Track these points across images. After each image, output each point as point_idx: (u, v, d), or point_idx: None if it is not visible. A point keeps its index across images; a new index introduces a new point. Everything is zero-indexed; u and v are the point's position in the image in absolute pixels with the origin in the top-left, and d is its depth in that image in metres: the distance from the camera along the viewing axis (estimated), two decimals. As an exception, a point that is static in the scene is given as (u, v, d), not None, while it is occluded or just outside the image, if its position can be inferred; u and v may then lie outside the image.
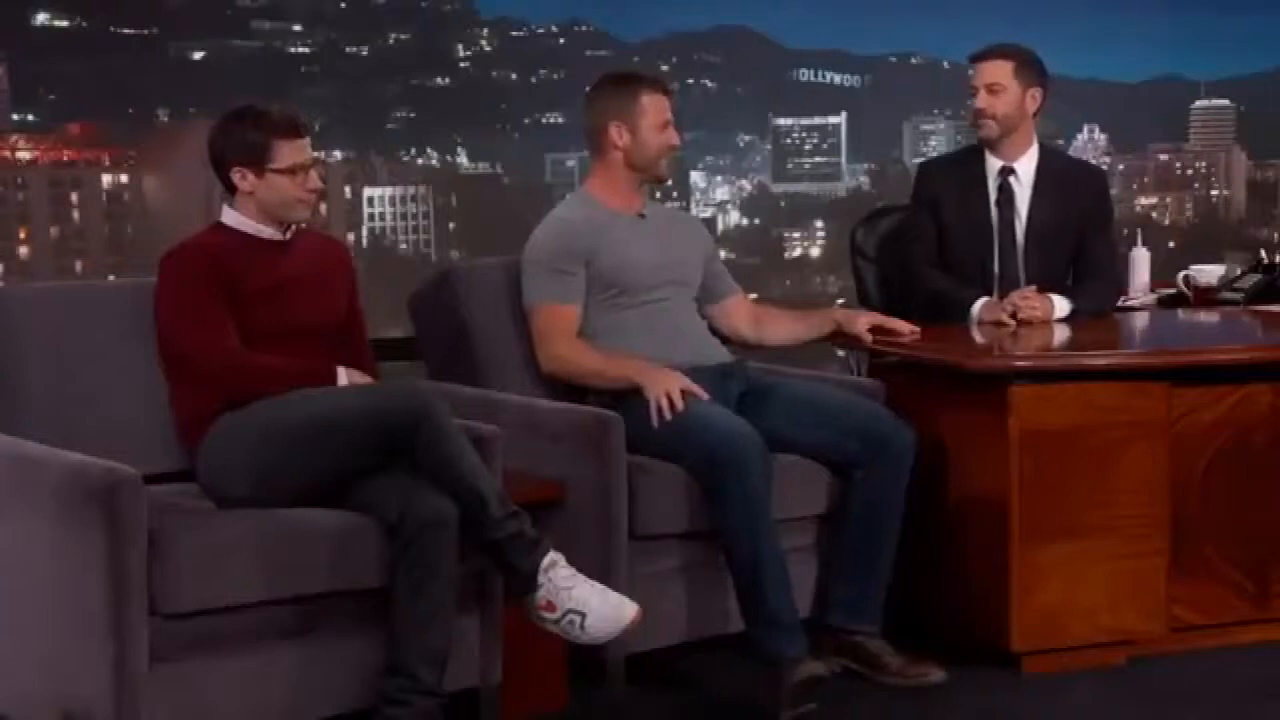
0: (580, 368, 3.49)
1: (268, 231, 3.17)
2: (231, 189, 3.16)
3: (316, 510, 2.93)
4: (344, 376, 3.13)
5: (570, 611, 2.93)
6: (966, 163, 4.07)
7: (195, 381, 3.09)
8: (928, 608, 3.63)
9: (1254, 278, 4.23)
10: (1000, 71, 3.97)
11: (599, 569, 3.12)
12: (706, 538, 3.35)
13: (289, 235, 3.20)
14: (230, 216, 3.18)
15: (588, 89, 3.70)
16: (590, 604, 2.94)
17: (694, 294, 3.70)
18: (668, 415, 3.32)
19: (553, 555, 2.95)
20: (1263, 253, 4.33)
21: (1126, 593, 3.53)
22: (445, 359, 3.72)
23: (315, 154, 3.20)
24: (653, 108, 3.58)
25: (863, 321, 3.74)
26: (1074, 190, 4.03)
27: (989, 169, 4.02)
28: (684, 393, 3.35)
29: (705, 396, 3.38)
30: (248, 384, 3.06)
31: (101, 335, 3.17)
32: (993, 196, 4.01)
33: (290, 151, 3.12)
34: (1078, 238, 4.02)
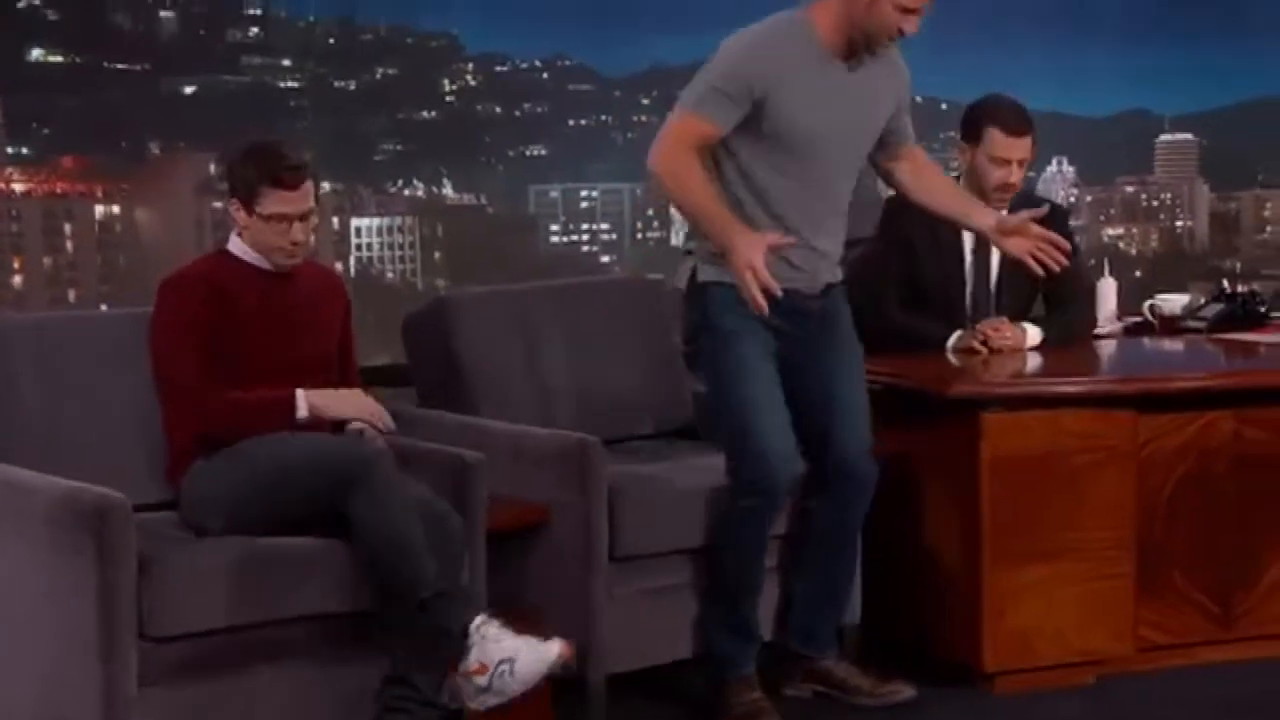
0: (680, 185, 3.22)
1: (268, 263, 3.20)
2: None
3: (300, 537, 2.96)
4: (302, 401, 3.11)
5: (502, 662, 2.91)
6: None
7: (178, 413, 3.14)
8: (902, 629, 3.68)
9: (1217, 306, 4.24)
10: (1032, 145, 3.90)
11: (581, 590, 3.18)
12: (688, 557, 3.40)
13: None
14: (236, 245, 3.20)
15: None
16: (519, 649, 2.93)
17: (862, 160, 3.45)
18: (758, 296, 3.08)
19: (484, 615, 2.97)
20: (1225, 282, 4.34)
21: (1095, 614, 3.58)
22: (436, 385, 3.74)
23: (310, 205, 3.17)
24: None
25: (1019, 246, 3.50)
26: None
27: None
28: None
29: (790, 242, 3.19)
30: (214, 425, 3.09)
31: (94, 364, 3.19)
32: (968, 244, 3.95)
33: (276, 201, 3.11)
34: (1048, 272, 4.05)
